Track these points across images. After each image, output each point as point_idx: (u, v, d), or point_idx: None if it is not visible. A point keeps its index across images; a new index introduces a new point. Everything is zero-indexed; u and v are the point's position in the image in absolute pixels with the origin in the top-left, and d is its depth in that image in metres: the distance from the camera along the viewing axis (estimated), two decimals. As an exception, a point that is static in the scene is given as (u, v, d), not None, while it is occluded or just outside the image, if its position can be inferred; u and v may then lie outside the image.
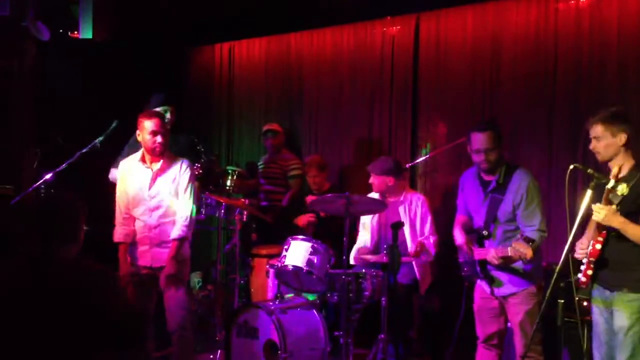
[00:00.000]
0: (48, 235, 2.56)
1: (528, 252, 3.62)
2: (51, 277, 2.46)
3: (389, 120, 6.12)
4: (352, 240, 5.18)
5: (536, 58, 5.27)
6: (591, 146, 3.39)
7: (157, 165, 4.31)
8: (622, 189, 3.17)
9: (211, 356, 4.93)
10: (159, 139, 4.24)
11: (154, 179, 4.31)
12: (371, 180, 5.07)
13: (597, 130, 3.32)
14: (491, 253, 3.86)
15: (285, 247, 4.62)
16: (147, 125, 4.23)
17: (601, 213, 3.19)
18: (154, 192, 4.31)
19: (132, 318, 2.56)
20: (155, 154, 4.28)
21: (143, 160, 4.33)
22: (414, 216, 5.00)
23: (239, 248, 5.34)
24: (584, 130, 3.57)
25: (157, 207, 4.31)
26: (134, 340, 2.51)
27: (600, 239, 3.26)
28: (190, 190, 4.34)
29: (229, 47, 7.41)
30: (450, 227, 4.30)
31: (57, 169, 4.61)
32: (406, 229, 4.93)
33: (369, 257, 4.85)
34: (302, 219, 5.63)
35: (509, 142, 4.99)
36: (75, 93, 6.26)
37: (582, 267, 3.30)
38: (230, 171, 5.73)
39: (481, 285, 4.09)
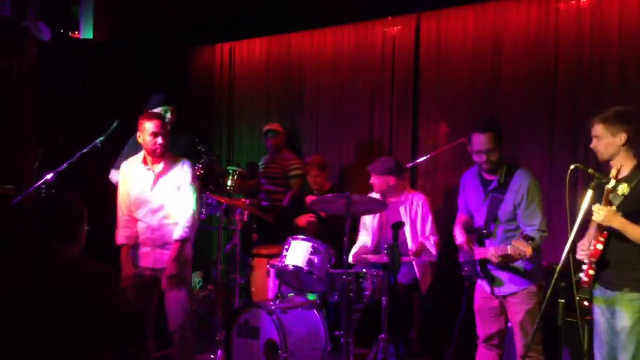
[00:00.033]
0: (48, 235, 2.55)
1: (527, 250, 3.63)
2: (51, 277, 2.45)
3: (389, 120, 6.11)
4: (353, 240, 5.18)
5: (537, 58, 5.27)
6: (592, 145, 3.39)
7: (159, 167, 4.31)
8: (623, 189, 3.16)
9: (212, 356, 4.92)
10: (159, 140, 4.23)
11: (155, 181, 4.31)
12: (372, 180, 5.06)
13: (598, 129, 3.32)
14: (491, 251, 3.86)
15: (286, 247, 4.62)
16: (148, 126, 4.22)
17: (601, 214, 3.18)
18: (156, 194, 4.30)
19: (132, 318, 2.55)
20: (156, 155, 4.28)
21: (144, 162, 4.33)
22: (414, 216, 5.00)
23: (239, 248, 5.33)
24: (584, 130, 3.57)
25: (159, 209, 4.31)
26: (134, 340, 2.51)
27: (602, 239, 3.25)
28: (192, 191, 4.34)
29: (230, 47, 7.40)
30: (451, 227, 4.30)
31: (58, 169, 4.61)
32: (407, 229, 4.92)
33: (369, 256, 4.84)
34: (303, 219, 5.63)
35: (510, 141, 4.98)
36: (76, 93, 6.26)
37: (584, 267, 3.30)
38: (230, 171, 5.72)
39: (481, 285, 4.10)
